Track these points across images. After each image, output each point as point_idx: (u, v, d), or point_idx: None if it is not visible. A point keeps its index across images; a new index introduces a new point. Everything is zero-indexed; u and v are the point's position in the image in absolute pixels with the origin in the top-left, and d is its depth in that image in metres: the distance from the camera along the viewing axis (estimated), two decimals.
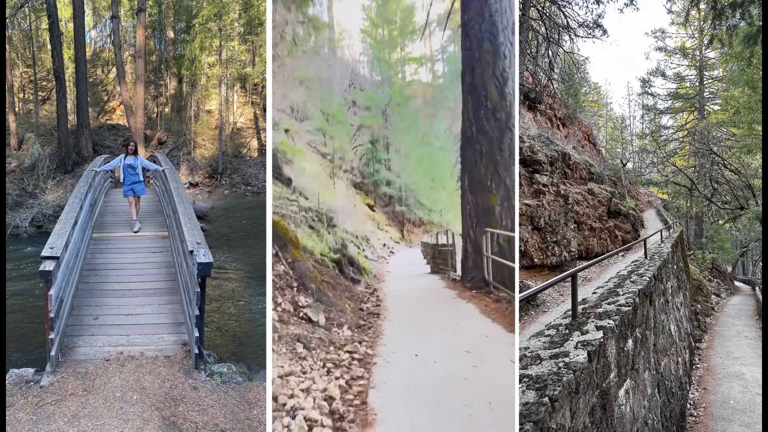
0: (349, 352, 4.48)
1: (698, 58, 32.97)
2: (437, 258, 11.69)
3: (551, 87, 25.60)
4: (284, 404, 3.19)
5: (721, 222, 31.35)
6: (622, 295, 6.67)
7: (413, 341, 4.88)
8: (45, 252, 5.98)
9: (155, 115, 25.66)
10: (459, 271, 9.54)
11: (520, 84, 21.83)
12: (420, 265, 13.39)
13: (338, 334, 5.12)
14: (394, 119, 27.72)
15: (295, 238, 7.09)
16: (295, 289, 5.78)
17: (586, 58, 41.92)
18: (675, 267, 13.45)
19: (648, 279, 7.93)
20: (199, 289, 5.90)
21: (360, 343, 4.84)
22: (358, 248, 14.65)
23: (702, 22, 30.48)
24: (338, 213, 15.82)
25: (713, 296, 22.69)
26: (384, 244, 19.73)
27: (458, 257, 9.82)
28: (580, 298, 6.33)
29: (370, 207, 24.96)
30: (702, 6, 22.83)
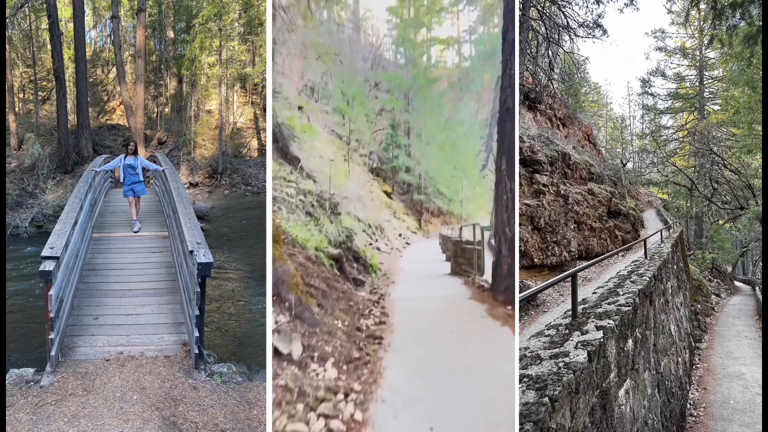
0: (326, 416, 2.91)
1: (698, 58, 32.97)
2: (460, 257, 10.40)
3: (551, 87, 25.58)
4: None
5: (721, 222, 31.35)
6: (622, 295, 6.67)
7: (427, 399, 3.29)
8: (45, 252, 5.98)
9: (155, 115, 25.65)
10: (486, 276, 8.17)
11: (520, 84, 21.84)
12: (438, 261, 12.45)
13: (317, 375, 3.55)
14: (416, 103, 27.39)
15: (278, 229, 6.19)
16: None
17: (586, 58, 41.95)
18: (675, 267, 13.45)
19: (648, 279, 7.93)
20: (199, 289, 5.90)
21: (347, 396, 3.26)
22: (370, 238, 13.98)
23: (702, 22, 30.49)
24: (351, 199, 15.33)
25: (713, 296, 22.68)
26: (400, 234, 19.31)
27: (486, 259, 8.68)
28: (580, 298, 6.33)
29: (387, 194, 24.61)
30: (702, 6, 22.84)
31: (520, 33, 18.45)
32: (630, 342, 5.71)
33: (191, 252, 6.18)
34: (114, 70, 26.23)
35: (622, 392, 5.04)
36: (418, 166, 26.87)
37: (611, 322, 5.16)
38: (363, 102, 22.13)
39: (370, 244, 12.27)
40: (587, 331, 4.82)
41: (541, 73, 23.42)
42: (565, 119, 29.14)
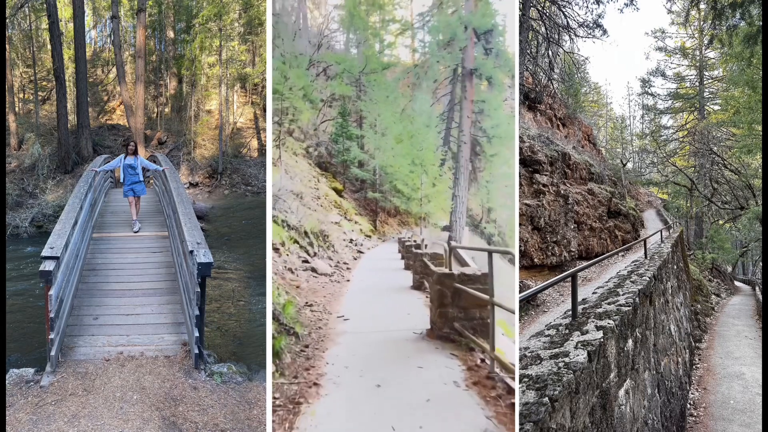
0: None
1: (698, 58, 32.97)
2: (424, 271, 8.72)
3: (551, 87, 25.57)
4: None
5: (721, 222, 31.35)
6: (622, 295, 6.68)
7: None
8: (45, 252, 5.98)
9: (155, 115, 25.65)
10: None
11: (520, 84, 21.79)
12: (396, 271, 10.25)
13: None
14: (369, 90, 23.35)
15: None
16: None
17: (586, 58, 41.94)
18: (675, 267, 13.45)
19: (648, 279, 7.93)
20: (199, 289, 5.90)
21: None
22: (306, 252, 10.75)
23: (702, 22, 30.48)
24: (284, 200, 13.35)
25: (713, 296, 22.68)
26: (351, 240, 16.51)
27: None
28: (580, 298, 6.33)
29: (338, 192, 21.65)
30: (702, 6, 22.84)
31: (520, 33, 18.43)
32: (630, 342, 5.71)
33: (191, 252, 6.18)
34: (114, 70, 26.21)
35: (622, 392, 5.04)
36: (372, 161, 22.92)
37: (611, 322, 5.16)
38: (301, 76, 19.69)
39: (305, 261, 10.13)
40: (587, 331, 4.82)
41: (541, 73, 23.40)
42: (565, 119, 29.14)
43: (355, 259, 13.85)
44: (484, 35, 16.15)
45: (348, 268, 10.50)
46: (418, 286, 8.70)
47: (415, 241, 12.13)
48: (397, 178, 19.94)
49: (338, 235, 15.36)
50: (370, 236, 19.08)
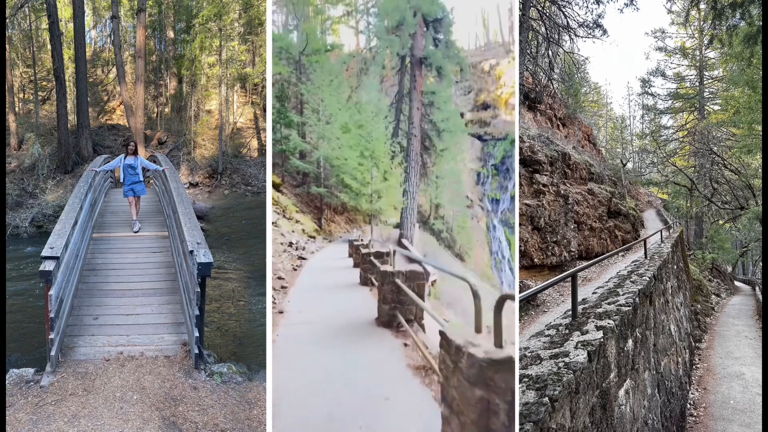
0: None
1: (698, 58, 32.97)
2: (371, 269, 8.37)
3: (551, 87, 25.58)
4: None
5: (721, 222, 31.35)
6: (622, 295, 6.68)
7: None
8: (45, 252, 5.98)
9: (155, 115, 25.65)
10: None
11: (520, 84, 21.75)
12: (347, 288, 8.30)
13: None
14: (311, 72, 21.10)
15: None
16: None
17: (586, 58, 41.84)
18: (675, 267, 13.45)
19: (648, 279, 7.93)
20: (199, 289, 5.90)
21: None
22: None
23: (702, 22, 30.48)
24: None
25: (713, 296, 22.68)
26: (291, 243, 14.69)
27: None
28: (580, 298, 6.33)
29: (276, 186, 19.83)
30: (702, 6, 22.84)
31: (520, 33, 18.43)
32: (630, 342, 5.71)
33: (191, 252, 6.18)
34: (114, 70, 26.21)
35: (622, 392, 5.04)
36: (315, 152, 20.45)
37: (611, 322, 5.16)
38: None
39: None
40: (587, 331, 4.82)
41: (541, 73, 23.41)
42: (565, 119, 29.14)
43: (295, 269, 11.58)
44: (433, 24, 15.46)
45: (283, 287, 8.80)
46: (364, 281, 8.83)
47: (362, 240, 11.66)
48: (344, 171, 18.06)
49: (275, 239, 13.70)
50: (314, 237, 17.57)
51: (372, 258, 8.51)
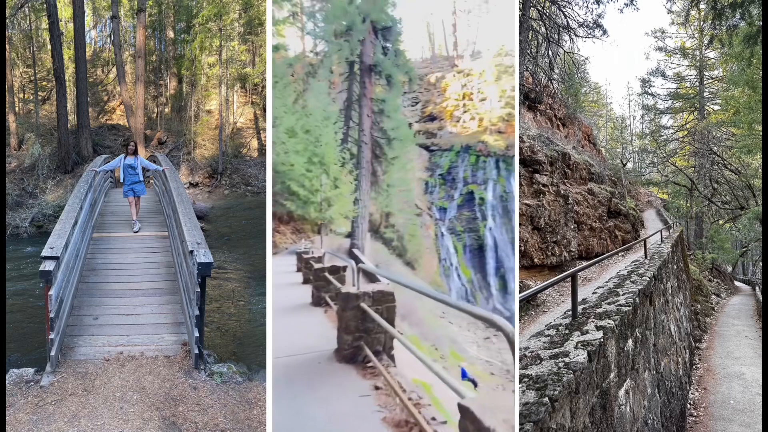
0: None
1: (698, 58, 32.97)
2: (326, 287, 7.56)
3: (551, 87, 25.58)
4: None
5: (721, 222, 31.35)
6: (622, 295, 6.68)
7: None
8: (45, 252, 5.98)
9: (155, 115, 25.65)
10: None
11: (520, 84, 21.77)
12: (296, 310, 7.38)
13: None
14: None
15: None
16: None
17: (586, 58, 41.89)
18: (675, 267, 13.45)
19: (648, 279, 7.93)
20: (199, 289, 5.90)
21: None
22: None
23: (702, 22, 30.48)
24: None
25: (713, 296, 22.68)
26: None
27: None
28: (580, 298, 6.33)
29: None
30: (702, 6, 22.82)
31: (520, 33, 18.43)
32: (630, 342, 5.71)
33: (191, 252, 6.18)
34: (114, 70, 26.21)
35: (622, 392, 5.04)
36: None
37: (611, 322, 5.16)
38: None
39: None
40: (587, 331, 4.82)
41: (541, 73, 23.41)
42: (565, 119, 29.14)
43: None
44: (383, 32, 15.27)
45: None
46: (317, 302, 7.47)
47: (312, 252, 10.48)
48: (290, 177, 17.28)
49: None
50: None
51: (326, 274, 7.39)
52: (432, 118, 24.34)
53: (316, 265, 7.61)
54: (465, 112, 23.69)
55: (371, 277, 8.72)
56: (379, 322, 4.06)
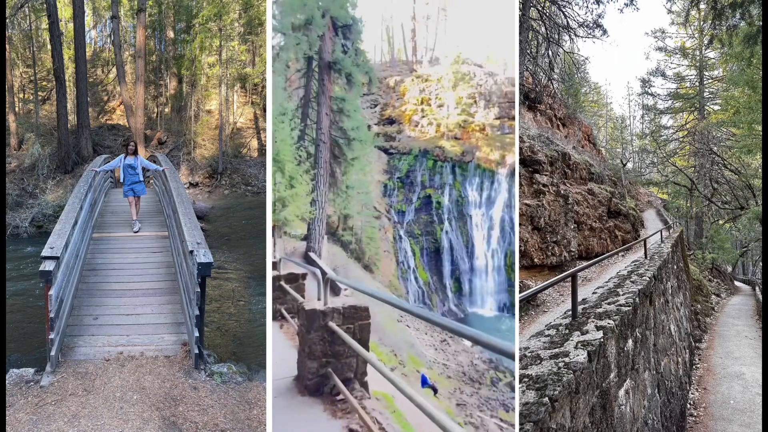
0: None
1: (698, 58, 32.97)
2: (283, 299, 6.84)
3: (551, 87, 25.59)
4: None
5: (721, 222, 31.35)
6: (622, 295, 6.67)
7: None
8: (45, 252, 5.98)
9: (155, 115, 25.65)
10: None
11: (520, 84, 21.79)
12: None
13: None
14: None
15: None
16: None
17: (586, 58, 41.90)
18: (675, 267, 13.45)
19: (648, 279, 7.93)
20: (199, 289, 5.90)
21: None
22: None
23: (702, 22, 30.48)
24: None
25: (713, 296, 22.68)
26: None
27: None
28: (580, 298, 6.33)
29: None
30: (702, 6, 22.82)
31: (520, 33, 18.43)
32: (630, 342, 5.71)
33: (191, 252, 6.18)
34: (114, 70, 26.21)
35: (622, 392, 5.04)
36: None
37: (611, 322, 5.16)
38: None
39: None
40: (587, 331, 4.82)
41: (541, 73, 23.42)
42: (565, 119, 29.14)
43: None
44: (343, 29, 14.84)
45: None
46: (273, 315, 6.75)
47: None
48: None
49: None
50: None
51: (282, 283, 6.58)
52: (391, 121, 24.38)
53: (271, 273, 6.58)
54: (423, 117, 23.78)
55: (335, 288, 7.48)
56: (352, 345, 3.29)
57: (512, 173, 20.50)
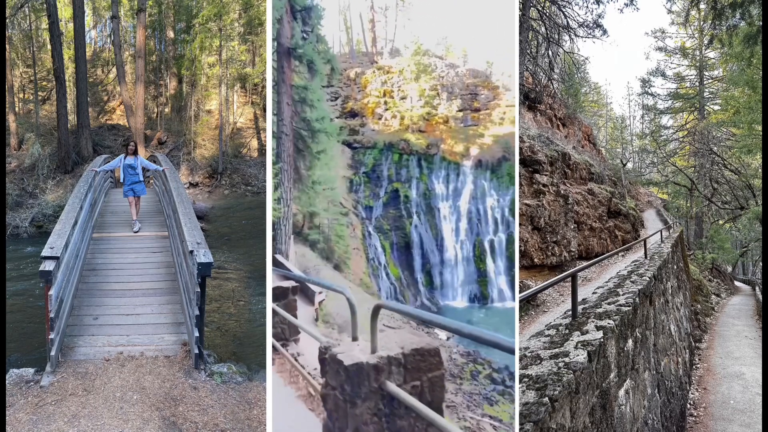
0: None
1: (698, 58, 32.97)
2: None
3: (551, 87, 25.59)
4: None
5: (721, 222, 31.36)
6: (622, 295, 6.67)
7: None
8: (45, 252, 5.98)
9: (155, 115, 25.65)
10: None
11: (520, 84, 21.79)
12: None
13: None
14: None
15: None
16: None
17: (586, 58, 41.85)
18: (675, 267, 13.45)
19: (648, 279, 7.93)
20: (199, 289, 5.90)
21: None
22: None
23: (702, 22, 30.48)
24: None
25: (713, 296, 22.68)
26: None
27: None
28: (580, 298, 6.33)
29: None
30: (702, 6, 22.83)
31: (520, 33, 18.44)
32: (630, 342, 5.71)
33: (191, 252, 6.18)
34: (114, 70, 26.21)
35: (622, 392, 5.04)
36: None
37: (611, 322, 5.16)
38: None
39: None
40: (587, 331, 4.82)
41: (541, 73, 23.42)
42: (565, 119, 29.14)
43: None
44: (302, 13, 13.79)
45: None
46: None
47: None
48: None
49: None
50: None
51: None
52: (353, 114, 23.90)
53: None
54: (387, 109, 23.43)
55: (308, 293, 6.20)
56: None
57: (477, 165, 20.43)
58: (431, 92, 23.03)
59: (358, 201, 20.63)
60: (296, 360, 4.50)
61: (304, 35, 13.44)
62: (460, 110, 22.54)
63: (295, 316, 4.93)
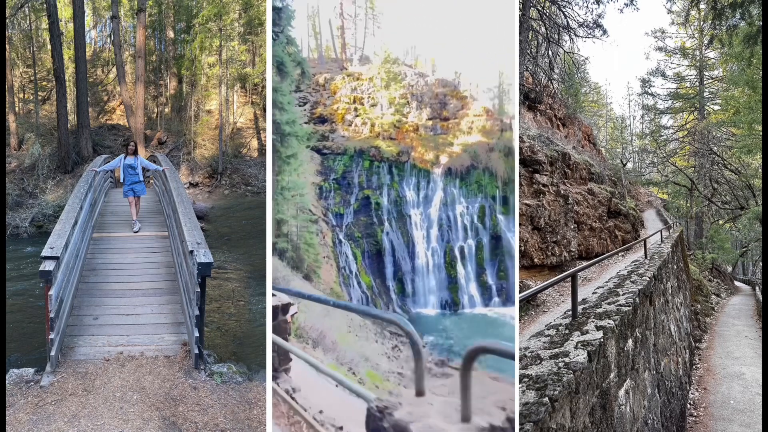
0: None
1: (698, 58, 32.98)
2: None
3: (551, 87, 25.59)
4: None
5: (721, 222, 31.37)
6: (622, 295, 6.67)
7: None
8: (45, 252, 5.98)
9: (155, 115, 25.65)
10: None
11: (520, 84, 21.78)
12: None
13: None
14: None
15: None
16: None
17: (586, 58, 41.90)
18: (675, 267, 13.45)
19: (648, 279, 7.93)
20: (199, 289, 5.90)
21: None
22: None
23: (702, 22, 30.49)
24: None
25: (713, 296, 22.68)
26: None
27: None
28: (580, 298, 6.33)
29: None
30: (702, 6, 22.83)
31: (520, 33, 18.44)
32: (630, 342, 5.71)
33: (191, 252, 6.18)
34: (114, 70, 26.22)
35: (622, 392, 5.04)
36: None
37: (611, 322, 5.16)
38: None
39: None
40: (587, 331, 4.82)
41: (541, 73, 23.42)
42: (565, 119, 29.15)
43: None
44: (273, 12, 13.49)
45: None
46: None
47: None
48: None
49: None
50: None
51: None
52: (322, 120, 23.82)
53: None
54: (357, 116, 23.40)
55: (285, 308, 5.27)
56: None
57: (447, 173, 20.41)
58: (401, 100, 23.07)
59: (328, 208, 20.45)
60: (293, 398, 3.43)
61: (274, 36, 13.10)
62: (429, 119, 22.59)
63: (287, 339, 4.15)
